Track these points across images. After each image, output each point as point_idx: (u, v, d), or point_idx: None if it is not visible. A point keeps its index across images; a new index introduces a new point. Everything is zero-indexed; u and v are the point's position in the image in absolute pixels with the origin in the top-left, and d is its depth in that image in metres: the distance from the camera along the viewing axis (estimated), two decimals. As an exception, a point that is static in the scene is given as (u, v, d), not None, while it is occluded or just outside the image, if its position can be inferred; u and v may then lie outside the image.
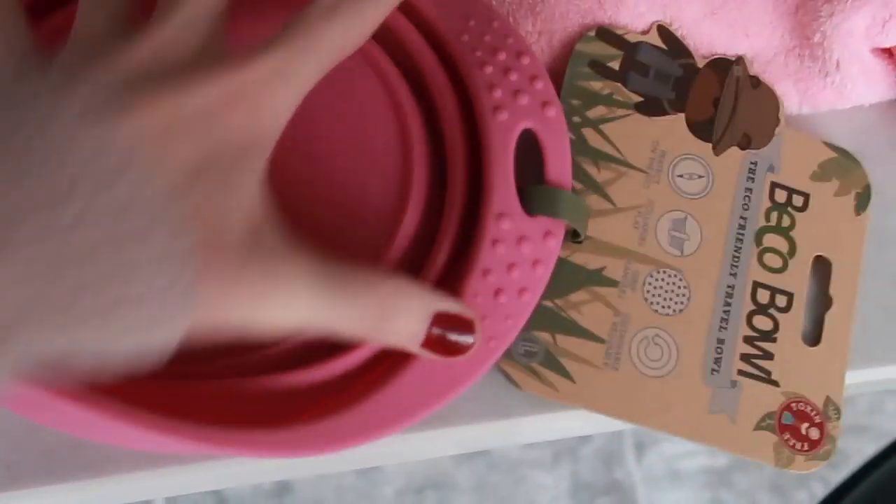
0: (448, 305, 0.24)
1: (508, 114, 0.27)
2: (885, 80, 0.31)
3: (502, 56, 0.28)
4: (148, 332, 0.20)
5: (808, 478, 0.94)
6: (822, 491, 0.93)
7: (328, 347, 0.26)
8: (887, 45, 0.30)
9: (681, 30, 0.30)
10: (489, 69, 0.28)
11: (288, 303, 0.22)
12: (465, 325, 0.25)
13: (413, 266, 0.27)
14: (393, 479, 0.93)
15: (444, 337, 0.24)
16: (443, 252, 0.27)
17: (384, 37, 0.29)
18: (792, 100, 0.31)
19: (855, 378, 0.29)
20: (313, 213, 0.27)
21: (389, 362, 0.26)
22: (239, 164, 0.22)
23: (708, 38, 0.30)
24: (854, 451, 0.92)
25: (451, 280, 0.27)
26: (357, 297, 0.23)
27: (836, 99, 0.31)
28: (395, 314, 0.24)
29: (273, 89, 0.23)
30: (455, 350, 0.25)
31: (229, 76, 0.22)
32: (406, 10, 0.29)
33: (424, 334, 0.24)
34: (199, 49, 0.23)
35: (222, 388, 0.25)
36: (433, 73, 0.28)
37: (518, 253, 0.26)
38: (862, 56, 0.30)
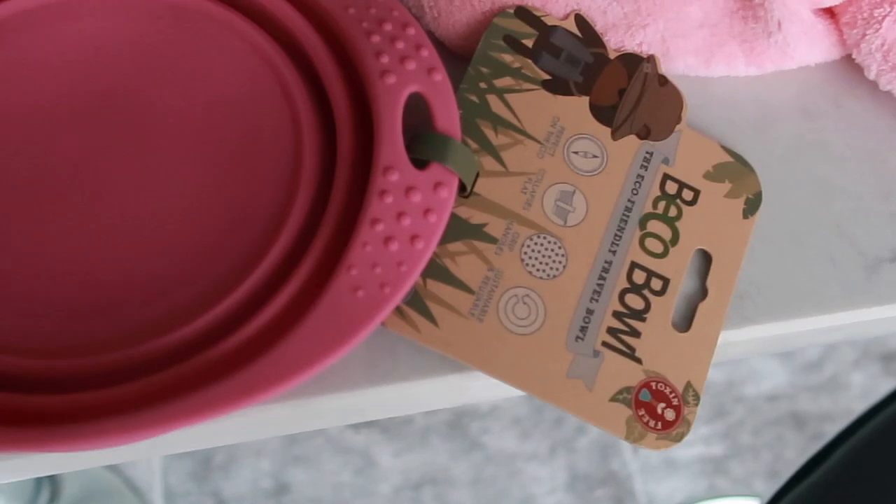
0: None
1: (396, 77, 0.28)
2: (828, 39, 0.32)
3: (388, 27, 0.29)
4: None
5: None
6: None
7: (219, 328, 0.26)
8: (826, 6, 0.31)
9: None
10: (376, 38, 0.29)
11: None
12: None
13: (311, 226, 0.28)
14: (390, 476, 0.94)
15: None
16: (334, 208, 0.27)
17: (262, 17, 0.30)
18: (738, 61, 0.32)
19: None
20: (219, 194, 0.28)
21: (289, 319, 0.26)
22: None
23: (660, 3, 0.31)
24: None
25: (343, 233, 0.27)
26: None
27: (780, 59, 0.32)
28: None
29: None
30: None
31: None
32: None
33: None
34: None
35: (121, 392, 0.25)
36: (315, 46, 0.30)
37: (407, 202, 0.27)
38: (802, 16, 0.31)
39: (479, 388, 0.29)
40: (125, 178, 0.28)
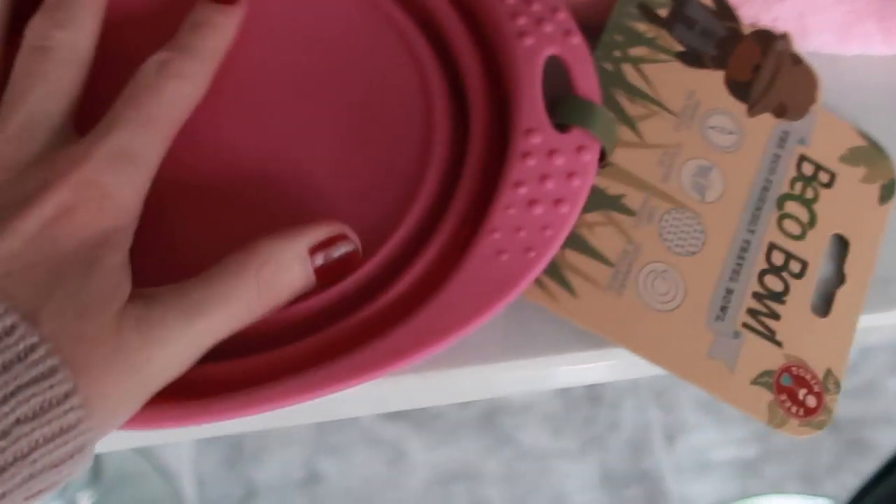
0: (312, 234, 0.24)
1: (534, 39, 0.27)
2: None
3: None
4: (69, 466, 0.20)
5: (838, 468, 0.95)
6: (852, 481, 0.93)
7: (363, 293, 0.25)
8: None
9: None
10: (511, 0, 0.28)
11: (175, 350, 0.22)
12: (339, 239, 0.24)
13: (447, 192, 0.27)
14: (421, 470, 0.93)
15: (331, 261, 0.24)
16: (471, 172, 0.26)
17: None
18: (875, 39, 0.31)
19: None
20: (351, 159, 0.27)
21: (429, 285, 0.25)
22: (92, 263, 0.22)
23: None
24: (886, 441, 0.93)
25: (479, 198, 0.26)
26: (226, 292, 0.22)
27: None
28: (272, 276, 0.23)
29: (117, 174, 0.23)
30: (346, 267, 0.24)
31: (61, 182, 0.22)
32: None
33: (312, 271, 0.24)
34: (38, 155, 0.23)
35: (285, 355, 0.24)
36: (444, 10, 0.29)
37: (550, 165, 0.26)
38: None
39: (611, 368, 0.28)
40: (258, 140, 0.27)
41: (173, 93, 0.24)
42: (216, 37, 0.26)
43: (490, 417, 0.99)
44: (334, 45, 0.29)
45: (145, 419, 0.22)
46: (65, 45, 0.24)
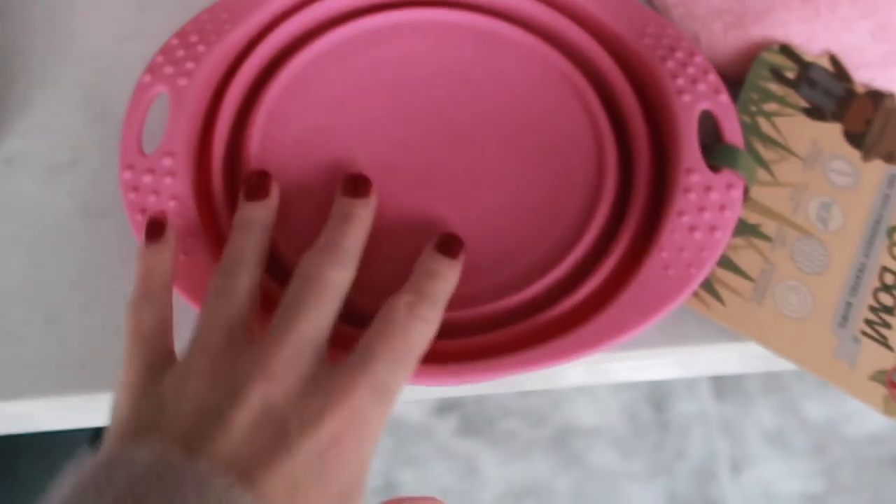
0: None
1: (690, 96, 0.34)
2: None
3: (679, 54, 0.35)
4: None
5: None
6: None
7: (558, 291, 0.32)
8: None
9: (892, 33, 0.36)
10: (670, 63, 0.35)
11: None
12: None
13: (616, 217, 0.34)
14: (493, 485, 0.98)
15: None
16: (638, 202, 0.33)
17: (563, 43, 0.36)
18: None
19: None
20: (538, 191, 0.34)
21: (609, 291, 0.32)
22: (355, 485, 0.25)
23: None
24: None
25: (651, 222, 0.33)
26: None
27: None
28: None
29: (374, 406, 0.26)
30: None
31: (336, 410, 0.25)
32: (590, 25, 0.37)
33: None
34: (307, 378, 0.26)
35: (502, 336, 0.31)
36: (612, 70, 0.35)
37: (707, 199, 0.32)
38: None
39: (747, 359, 0.34)
40: (453, 172, 0.34)
41: (419, 334, 0.27)
42: (447, 288, 0.30)
43: (561, 438, 1.04)
44: (514, 94, 0.36)
45: (427, 375, 0.29)
46: (339, 283, 0.28)
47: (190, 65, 0.34)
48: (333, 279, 0.28)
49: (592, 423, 1.05)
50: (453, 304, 0.31)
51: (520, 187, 0.34)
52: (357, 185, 0.32)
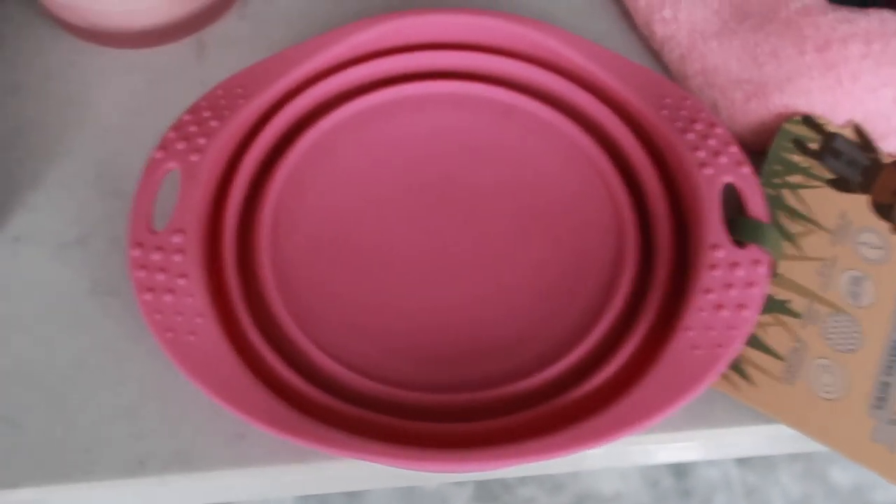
0: None
1: (713, 169, 0.33)
2: None
3: (699, 126, 0.34)
4: None
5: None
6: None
7: (575, 376, 0.31)
8: None
9: None
10: (690, 135, 0.34)
11: None
12: None
13: (637, 296, 0.32)
14: None
15: None
16: (660, 279, 0.32)
17: (581, 116, 0.36)
18: None
19: None
20: (553, 266, 0.33)
21: (632, 374, 0.30)
22: None
23: None
24: None
25: (673, 302, 0.32)
26: None
27: None
28: None
29: None
30: None
31: None
32: (607, 96, 0.36)
33: None
34: None
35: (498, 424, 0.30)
36: (632, 143, 0.35)
37: (733, 275, 0.31)
38: None
39: (779, 441, 0.32)
40: (469, 253, 0.34)
41: None
42: None
43: (580, 505, 1.01)
44: (532, 170, 0.35)
45: (432, 460, 0.28)
46: None
47: (202, 140, 0.33)
48: None
49: (613, 490, 1.04)
50: (466, 386, 0.30)
51: (536, 266, 0.33)
52: None
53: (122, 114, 0.38)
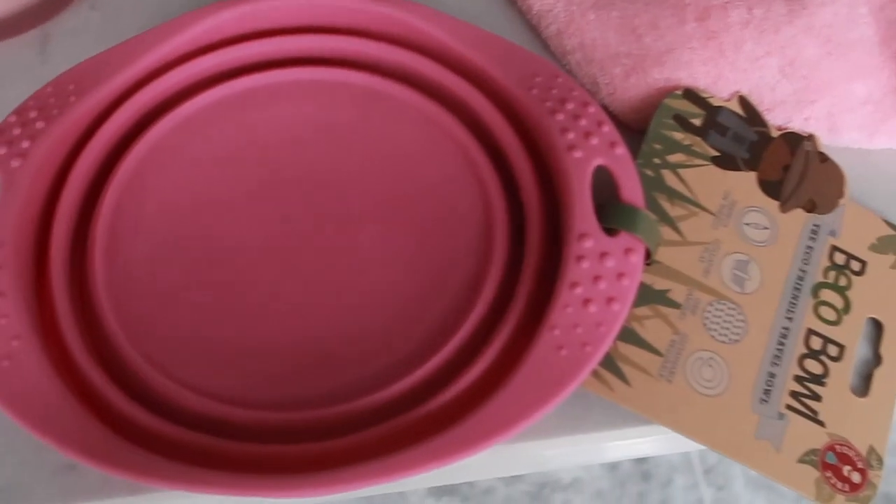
0: None
1: (583, 152, 0.31)
2: None
3: (570, 105, 0.32)
4: None
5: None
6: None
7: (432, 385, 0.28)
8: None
9: (802, 69, 0.33)
10: (560, 116, 0.31)
11: None
12: None
13: (507, 292, 0.30)
14: None
15: None
16: (528, 273, 0.29)
17: (448, 98, 0.33)
18: None
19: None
20: (420, 261, 0.31)
21: (495, 378, 0.28)
22: None
23: (827, 76, 0.33)
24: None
25: (542, 295, 0.29)
26: None
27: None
28: None
29: None
30: None
31: None
32: (476, 76, 0.33)
33: None
34: None
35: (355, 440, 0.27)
36: (500, 125, 0.32)
37: (602, 267, 0.29)
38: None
39: (659, 443, 0.30)
40: (328, 251, 0.31)
41: None
42: None
43: (539, 493, 1.00)
44: (395, 158, 0.32)
45: (245, 486, 0.25)
46: None
47: (25, 144, 0.30)
48: None
49: (572, 477, 1.02)
50: (315, 402, 0.28)
51: (400, 264, 0.31)
52: None
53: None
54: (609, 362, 0.29)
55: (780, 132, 0.34)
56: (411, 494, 1.00)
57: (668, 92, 0.34)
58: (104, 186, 0.31)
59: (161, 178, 0.32)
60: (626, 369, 0.29)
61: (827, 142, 0.34)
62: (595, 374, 0.29)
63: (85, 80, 0.32)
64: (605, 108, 0.35)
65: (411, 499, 0.98)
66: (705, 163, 0.33)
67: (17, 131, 0.31)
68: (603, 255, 0.29)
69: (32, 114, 0.31)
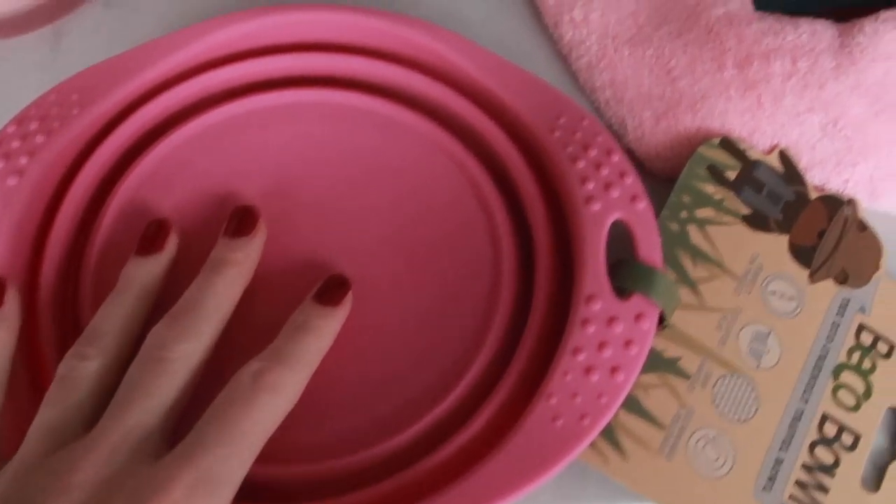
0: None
1: (601, 205, 0.29)
2: None
3: (593, 152, 0.30)
4: None
5: None
6: None
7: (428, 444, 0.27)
8: None
9: (846, 129, 0.31)
10: (581, 163, 0.29)
11: None
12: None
13: (507, 351, 0.28)
14: None
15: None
16: (531, 334, 0.28)
17: (467, 131, 0.31)
18: None
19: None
20: (420, 315, 0.29)
21: (485, 446, 0.26)
22: None
23: (873, 138, 0.31)
24: None
25: (539, 360, 0.28)
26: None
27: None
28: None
29: (197, 500, 0.22)
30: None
31: None
32: (496, 109, 0.31)
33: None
34: (119, 480, 0.22)
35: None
36: (519, 168, 0.30)
37: (609, 333, 0.27)
38: None
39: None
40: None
41: (266, 408, 0.24)
42: (317, 343, 0.26)
43: None
44: (410, 192, 0.31)
45: None
46: (182, 358, 0.24)
47: (23, 160, 0.29)
48: (175, 354, 0.25)
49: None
50: (294, 456, 0.27)
51: (404, 310, 0.29)
52: (237, 222, 0.29)
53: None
54: (608, 432, 0.27)
55: (818, 193, 0.32)
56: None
57: (700, 141, 0.32)
58: (103, 207, 0.30)
59: (164, 199, 0.31)
60: (625, 441, 0.27)
61: (864, 208, 0.32)
62: (592, 443, 0.27)
63: (91, 89, 0.31)
64: (632, 152, 0.33)
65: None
66: (735, 221, 0.31)
67: (15, 144, 0.30)
68: (611, 319, 0.27)
69: (33, 125, 0.30)
